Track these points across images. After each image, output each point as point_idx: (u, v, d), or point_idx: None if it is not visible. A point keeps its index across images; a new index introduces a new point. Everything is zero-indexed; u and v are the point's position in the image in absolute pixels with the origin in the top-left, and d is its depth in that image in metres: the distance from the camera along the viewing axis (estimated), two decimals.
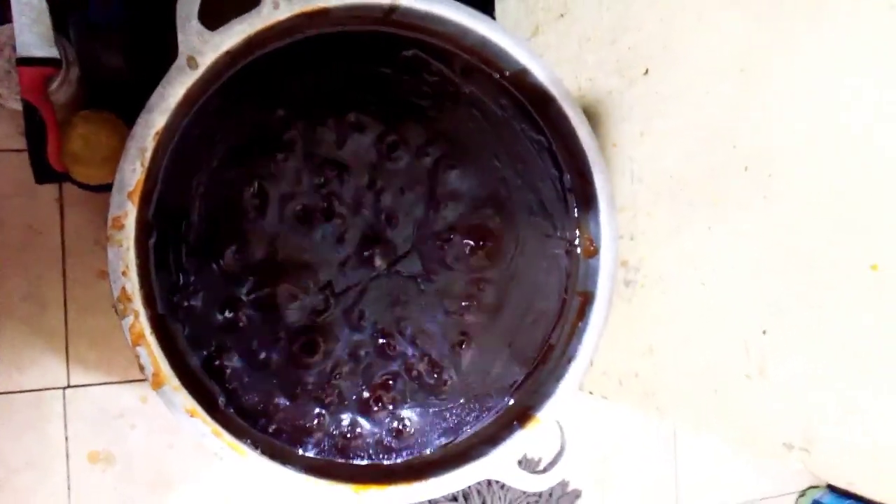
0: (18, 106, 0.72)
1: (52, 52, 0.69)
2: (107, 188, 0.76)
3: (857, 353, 0.40)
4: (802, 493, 1.12)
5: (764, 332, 0.45)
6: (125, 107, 0.76)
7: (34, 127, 0.71)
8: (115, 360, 0.83)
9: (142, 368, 0.44)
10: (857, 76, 0.41)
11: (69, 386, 0.82)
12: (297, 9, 0.47)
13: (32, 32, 0.69)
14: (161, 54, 0.77)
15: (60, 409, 0.82)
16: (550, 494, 0.96)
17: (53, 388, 0.82)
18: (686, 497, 1.07)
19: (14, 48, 0.68)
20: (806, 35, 0.43)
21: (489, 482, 0.93)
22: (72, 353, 0.82)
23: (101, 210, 0.82)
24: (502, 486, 0.94)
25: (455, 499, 0.93)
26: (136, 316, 0.44)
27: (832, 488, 1.12)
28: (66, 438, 0.82)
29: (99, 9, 0.66)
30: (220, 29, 0.46)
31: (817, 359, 0.42)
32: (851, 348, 0.40)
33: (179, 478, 0.85)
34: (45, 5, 0.68)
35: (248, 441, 0.48)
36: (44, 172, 0.73)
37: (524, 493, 0.95)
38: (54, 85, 0.70)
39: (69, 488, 0.82)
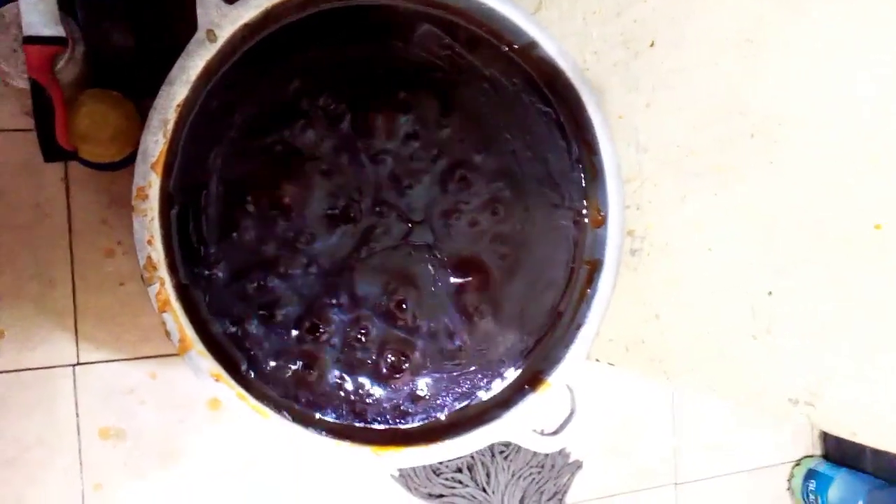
0: (25, 85, 0.72)
1: (57, 30, 0.69)
2: (113, 166, 0.77)
3: (860, 310, 0.42)
4: (798, 463, 1.15)
5: (770, 294, 0.47)
6: (131, 85, 0.76)
7: (41, 105, 0.71)
8: (123, 336, 0.84)
9: (168, 334, 0.46)
10: (861, 43, 0.42)
11: (79, 363, 0.83)
12: None
13: (38, 11, 0.69)
14: (167, 32, 0.77)
15: (70, 386, 0.83)
16: (553, 465, 0.99)
17: (63, 366, 0.83)
18: (684, 466, 1.10)
19: (20, 27, 0.69)
20: (811, 3, 0.45)
21: (493, 454, 0.96)
22: (80, 331, 0.83)
23: (106, 189, 0.83)
24: (506, 457, 0.97)
25: (460, 469, 0.95)
26: (162, 283, 0.45)
27: (827, 457, 1.15)
28: (77, 415, 0.83)
29: None
30: (238, 3, 0.47)
31: (822, 317, 0.44)
32: (855, 306, 0.42)
33: (189, 451, 0.87)
34: None
35: (271, 405, 0.49)
36: (52, 151, 0.73)
37: (527, 463, 0.97)
38: (60, 63, 0.71)
39: (81, 463, 0.83)
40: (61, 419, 0.82)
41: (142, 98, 0.77)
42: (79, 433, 0.83)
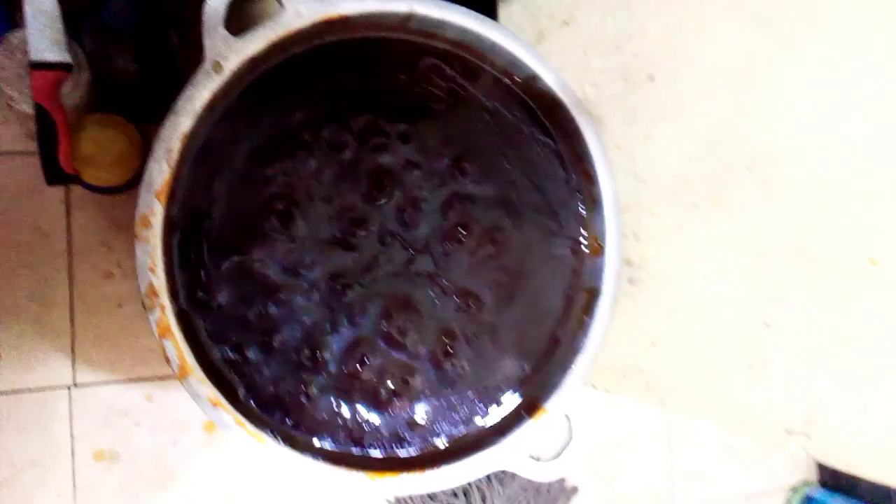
0: (29, 109, 0.73)
1: (64, 56, 0.70)
2: (115, 190, 0.78)
3: (856, 342, 0.42)
4: (794, 489, 1.15)
5: (766, 325, 0.47)
6: (134, 110, 0.77)
7: (45, 129, 0.72)
8: (120, 358, 0.84)
9: (168, 360, 0.46)
10: (855, 78, 0.43)
11: (75, 385, 0.83)
12: (319, 16, 0.49)
13: (45, 37, 0.70)
14: (171, 59, 0.78)
15: (66, 407, 0.83)
16: (548, 490, 0.99)
17: (59, 387, 0.83)
18: (681, 492, 1.10)
19: (27, 52, 0.69)
20: (805, 40, 0.46)
21: (489, 479, 0.95)
22: (77, 352, 0.83)
23: (106, 211, 0.83)
24: (502, 483, 0.96)
25: (456, 495, 0.95)
26: (163, 310, 0.45)
27: (823, 483, 1.14)
28: (72, 436, 0.83)
29: (114, 14, 0.67)
30: (245, 35, 0.48)
31: (816, 348, 0.44)
32: (851, 338, 0.43)
33: (184, 475, 0.86)
34: (58, 11, 0.69)
35: (268, 430, 0.49)
36: (54, 174, 0.73)
37: (523, 489, 0.97)
38: (66, 88, 0.71)
39: (74, 486, 0.83)
40: (56, 440, 0.82)
41: (145, 122, 0.78)
42: (73, 455, 0.83)
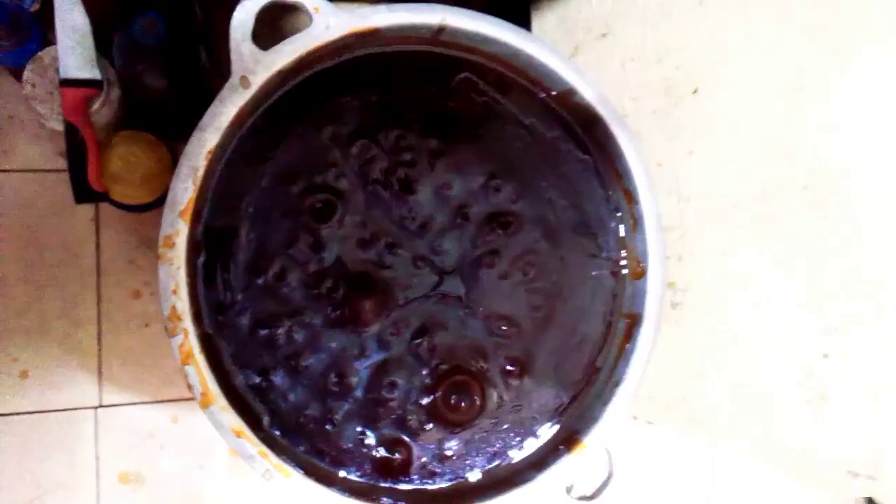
0: (59, 126, 0.73)
1: (94, 73, 0.70)
2: (144, 208, 0.77)
3: None
4: None
5: (825, 356, 0.44)
6: (164, 127, 0.76)
7: (75, 147, 0.72)
8: (146, 379, 0.83)
9: (190, 388, 0.44)
10: None
11: (101, 405, 0.82)
12: (348, 29, 0.48)
13: (75, 54, 0.70)
14: (200, 76, 0.78)
15: (92, 428, 0.82)
16: None
17: (85, 408, 0.82)
18: None
19: (57, 70, 0.69)
20: (861, 51, 0.43)
21: None
22: (104, 373, 0.82)
23: (135, 230, 0.83)
24: None
25: None
26: (186, 335, 0.43)
27: None
28: (97, 458, 0.82)
29: (143, 30, 0.67)
30: (273, 49, 0.46)
31: (884, 382, 0.41)
32: None
33: (209, 499, 0.85)
34: (88, 28, 0.69)
35: (292, 461, 0.47)
36: (83, 192, 0.73)
37: None
38: (95, 106, 0.71)
39: None
40: (81, 462, 0.81)
41: (174, 140, 0.77)
42: (98, 477, 0.82)
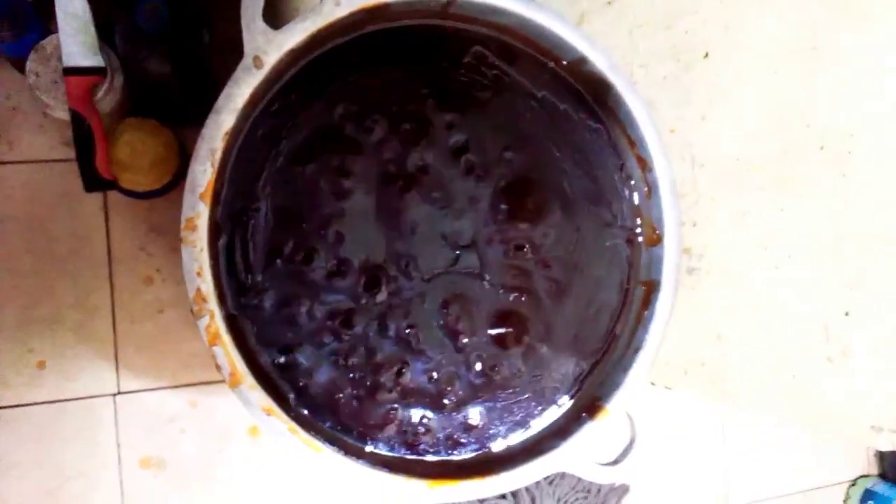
0: (64, 115, 0.73)
1: (97, 60, 0.70)
2: (153, 194, 0.77)
3: None
4: (853, 483, 1.11)
5: (846, 314, 0.44)
6: (168, 112, 0.76)
7: (82, 136, 0.71)
8: (163, 364, 0.84)
9: (219, 368, 0.44)
10: None
11: (119, 392, 0.82)
12: (358, 5, 0.47)
13: (78, 42, 0.69)
14: (204, 60, 0.77)
15: (111, 415, 0.82)
16: (599, 490, 0.96)
17: (104, 396, 0.82)
18: (735, 488, 1.06)
19: (60, 59, 0.69)
20: (874, 9, 0.43)
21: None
22: (121, 360, 0.82)
23: (144, 217, 0.83)
24: (551, 482, 0.94)
25: (504, 496, 0.93)
26: (212, 316, 0.44)
27: (884, 476, 1.10)
28: (118, 444, 0.82)
29: (146, 16, 0.66)
30: (284, 28, 0.46)
31: None
32: None
33: (231, 481, 0.86)
34: (89, 16, 0.69)
35: (321, 437, 0.47)
36: (92, 180, 0.73)
37: (573, 489, 0.95)
38: (100, 93, 0.71)
39: (122, 494, 0.82)
40: (102, 449, 0.82)
41: (179, 125, 0.77)
42: (120, 463, 0.82)
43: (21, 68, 0.73)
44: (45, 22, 0.73)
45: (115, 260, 0.82)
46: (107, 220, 0.82)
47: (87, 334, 0.81)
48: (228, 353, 0.44)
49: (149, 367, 0.83)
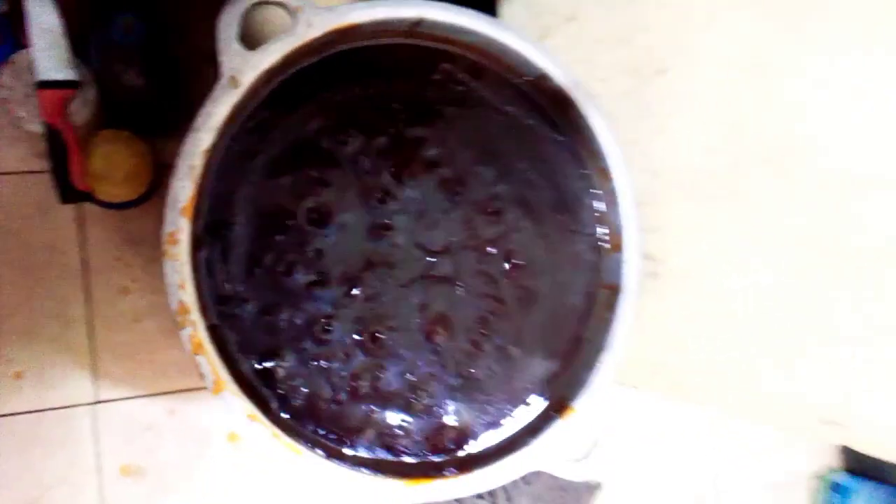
0: (37, 128, 0.73)
1: (70, 74, 0.70)
2: (127, 205, 0.78)
3: (886, 326, 0.42)
4: (821, 477, 1.14)
5: (794, 315, 0.47)
6: (141, 124, 0.77)
7: (56, 148, 0.72)
8: (140, 373, 0.84)
9: (202, 377, 0.46)
10: (867, 62, 0.43)
11: (97, 401, 0.83)
12: (330, 26, 0.49)
13: (50, 56, 0.70)
14: (178, 73, 0.79)
15: (90, 424, 0.83)
16: (574, 488, 0.99)
17: (82, 405, 0.83)
18: (705, 484, 1.10)
19: (33, 72, 0.70)
20: (815, 27, 0.46)
21: None
22: (98, 369, 0.83)
23: (118, 227, 0.83)
24: (527, 482, 0.96)
25: (481, 496, 0.95)
26: (195, 326, 0.45)
27: (849, 470, 1.14)
28: (98, 453, 0.83)
29: (122, 31, 0.67)
30: (259, 49, 0.48)
31: (848, 336, 0.44)
32: (880, 322, 0.43)
33: (211, 487, 0.87)
34: (62, 29, 0.69)
35: (302, 441, 0.49)
36: (68, 192, 0.74)
37: (548, 487, 0.97)
38: (73, 106, 0.72)
39: (103, 502, 0.83)
40: (82, 458, 0.82)
41: (153, 136, 0.78)
42: (100, 471, 0.83)
43: None
44: (17, 36, 0.74)
45: (91, 270, 0.83)
46: (81, 231, 0.83)
47: (64, 344, 0.82)
48: (212, 362, 0.46)
49: (126, 375, 0.84)
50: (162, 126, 0.82)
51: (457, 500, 0.94)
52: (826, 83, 0.46)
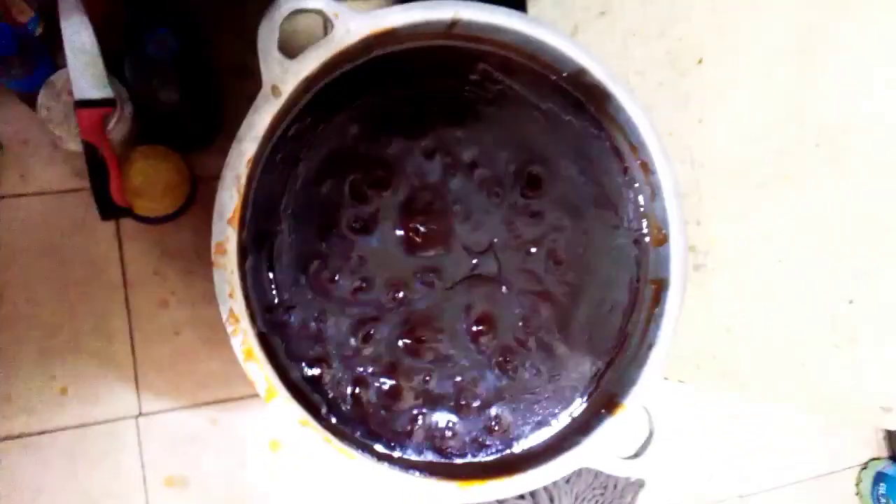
0: (76, 147, 0.74)
1: (107, 92, 0.71)
2: (165, 219, 0.79)
3: None
4: (864, 466, 1.12)
5: (850, 302, 0.46)
6: (177, 138, 0.78)
7: (96, 166, 0.73)
8: (182, 385, 0.85)
9: (253, 384, 0.46)
10: None
11: (141, 414, 0.84)
12: (368, 31, 0.50)
13: (87, 76, 0.71)
14: (212, 87, 0.79)
15: (134, 437, 0.84)
16: (615, 486, 0.98)
17: (126, 418, 0.84)
18: (748, 478, 1.08)
19: (70, 92, 0.71)
20: (860, 8, 0.45)
21: None
22: (141, 382, 0.84)
23: (156, 242, 0.84)
24: (567, 480, 0.96)
25: (523, 496, 0.95)
26: (245, 334, 0.46)
27: (894, 458, 1.12)
28: (142, 465, 0.84)
29: (156, 47, 0.68)
30: (299, 57, 0.48)
31: None
32: None
33: (253, 494, 0.87)
34: (97, 49, 0.71)
35: (354, 445, 0.49)
36: (108, 209, 0.75)
37: (590, 485, 0.97)
38: (111, 124, 0.73)
39: None
40: (127, 470, 0.83)
41: (188, 150, 0.79)
42: (145, 483, 0.84)
43: (31, 103, 0.75)
44: (53, 56, 0.75)
45: (130, 285, 0.84)
46: (120, 246, 0.84)
47: (106, 359, 0.83)
48: (263, 369, 0.46)
49: (168, 387, 0.85)
50: (197, 140, 0.83)
51: (498, 501, 0.93)
52: (873, 64, 0.45)
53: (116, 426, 0.83)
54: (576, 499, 0.95)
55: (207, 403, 0.86)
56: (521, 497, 0.94)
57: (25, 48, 0.72)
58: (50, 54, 0.75)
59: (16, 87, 0.75)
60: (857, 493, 1.13)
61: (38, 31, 0.75)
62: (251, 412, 0.86)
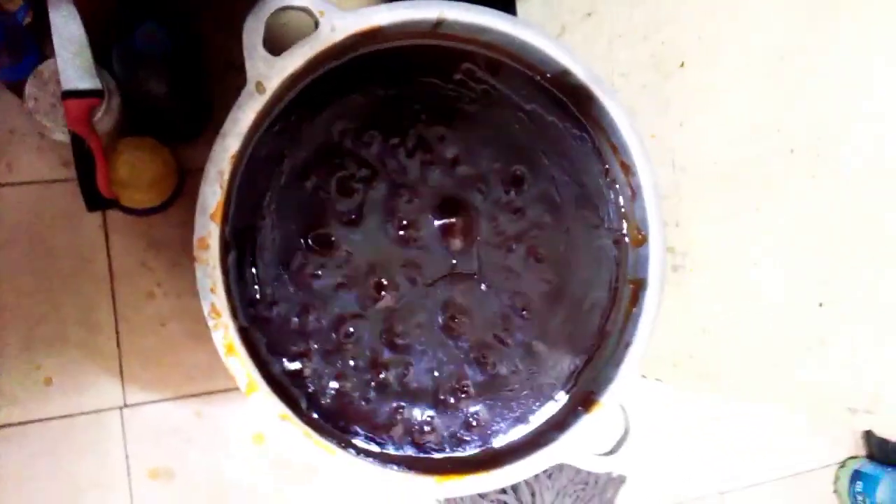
0: (63, 138, 0.74)
1: (94, 83, 0.71)
2: (152, 211, 0.79)
3: None
4: (842, 464, 1.14)
5: (820, 305, 0.47)
6: (164, 130, 0.78)
7: (82, 156, 0.73)
8: (167, 377, 0.86)
9: (234, 378, 0.47)
10: (890, 56, 0.43)
11: (126, 405, 0.84)
12: (353, 29, 0.50)
13: (75, 66, 0.71)
14: (200, 80, 0.80)
15: (119, 428, 0.84)
16: (597, 482, 0.99)
17: (111, 409, 0.84)
18: (727, 474, 1.10)
19: (58, 82, 0.71)
20: (840, 18, 0.46)
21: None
22: (126, 374, 0.84)
23: (143, 233, 0.85)
24: (549, 476, 0.97)
25: (505, 491, 0.96)
26: (227, 329, 0.46)
27: (871, 457, 1.14)
28: (127, 456, 0.84)
29: (145, 39, 0.68)
30: (284, 54, 0.48)
31: (875, 325, 0.44)
32: None
33: (237, 487, 0.88)
34: (85, 39, 0.70)
35: (333, 440, 0.50)
36: (94, 200, 0.75)
37: (571, 481, 0.98)
38: (98, 115, 0.73)
39: None
40: (112, 461, 0.84)
41: (175, 143, 0.79)
42: (129, 474, 0.84)
43: (18, 92, 0.75)
44: (41, 46, 0.75)
45: (116, 276, 0.84)
46: (107, 237, 0.84)
47: (92, 349, 0.83)
48: (244, 364, 0.47)
49: (153, 379, 0.85)
50: (185, 133, 0.83)
51: (480, 495, 0.94)
52: (851, 73, 0.45)
53: (101, 417, 0.84)
54: (557, 494, 0.97)
55: (193, 395, 0.87)
56: (503, 491, 0.95)
57: (13, 37, 0.72)
58: (38, 44, 0.75)
59: (3, 75, 0.75)
60: (834, 491, 1.14)
61: (27, 19, 0.75)
62: (236, 405, 0.87)
